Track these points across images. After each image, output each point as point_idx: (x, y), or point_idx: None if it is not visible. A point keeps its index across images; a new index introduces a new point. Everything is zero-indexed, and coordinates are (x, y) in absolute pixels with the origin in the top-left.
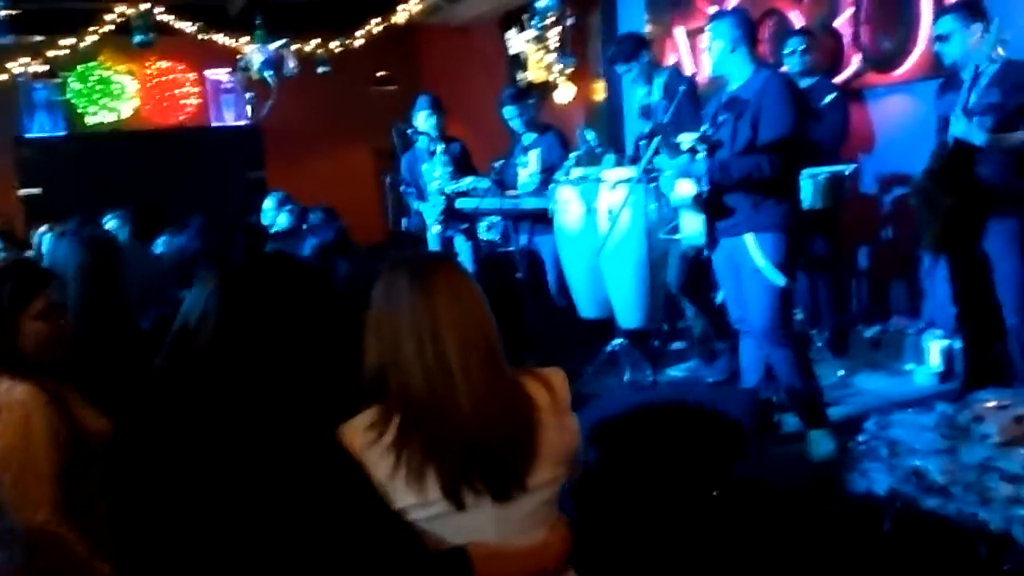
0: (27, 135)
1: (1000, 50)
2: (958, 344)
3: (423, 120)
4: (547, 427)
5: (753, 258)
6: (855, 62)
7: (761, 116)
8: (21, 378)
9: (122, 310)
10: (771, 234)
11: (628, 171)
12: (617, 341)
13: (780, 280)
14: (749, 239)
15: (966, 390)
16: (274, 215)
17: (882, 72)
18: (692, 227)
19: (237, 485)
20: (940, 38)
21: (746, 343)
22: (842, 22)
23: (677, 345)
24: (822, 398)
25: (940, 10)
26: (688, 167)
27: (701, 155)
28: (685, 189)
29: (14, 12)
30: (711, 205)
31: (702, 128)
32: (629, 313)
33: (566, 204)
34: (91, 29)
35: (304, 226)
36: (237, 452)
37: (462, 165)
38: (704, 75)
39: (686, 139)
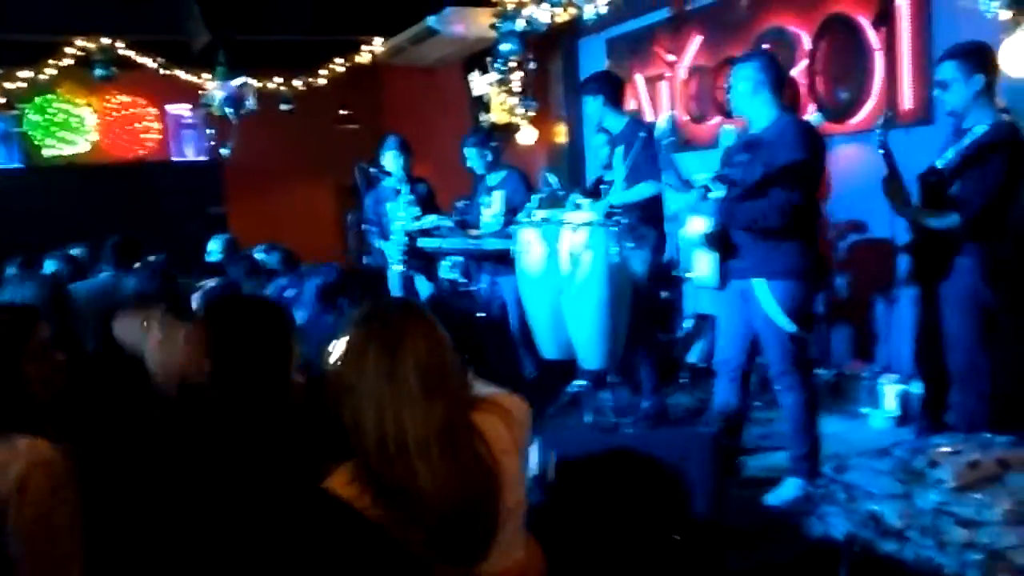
0: None
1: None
2: (914, 388)
3: (391, 160)
4: (508, 470)
5: (764, 305)
6: (810, 111)
7: (775, 160)
8: (33, 433)
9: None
10: (783, 281)
11: (590, 214)
12: (579, 383)
13: (791, 327)
14: (760, 285)
15: (924, 431)
16: (219, 256)
17: (837, 121)
18: (704, 266)
19: (235, 530)
20: (940, 84)
21: (721, 384)
22: (798, 72)
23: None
24: (819, 450)
25: (944, 54)
26: (697, 204)
27: (716, 193)
28: (697, 226)
29: None
30: (724, 244)
31: (718, 169)
32: (591, 355)
33: (528, 245)
34: (51, 62)
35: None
36: (232, 496)
37: (427, 205)
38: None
39: (703, 178)
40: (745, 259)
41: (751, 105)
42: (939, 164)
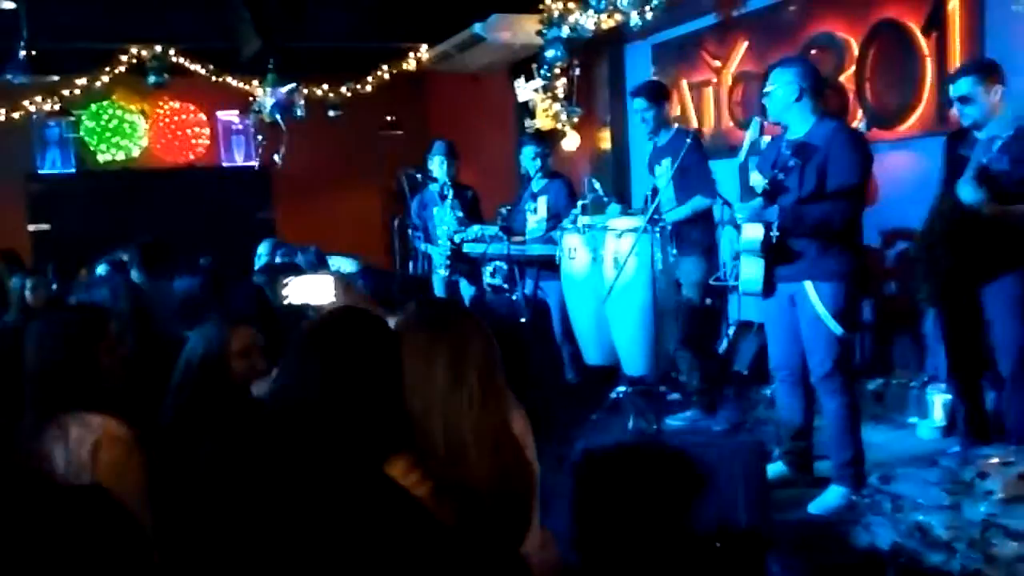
0: (39, 172)
1: None
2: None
3: (437, 165)
4: (533, 464)
5: (813, 306)
6: (858, 118)
7: (829, 165)
8: (102, 413)
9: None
10: (831, 283)
11: (635, 220)
12: (621, 389)
13: (838, 330)
14: (809, 287)
15: (968, 445)
16: (267, 260)
17: (886, 128)
18: (751, 273)
19: (302, 517)
20: (962, 100)
21: (782, 390)
22: (846, 78)
23: (674, 396)
24: (863, 458)
25: (957, 70)
26: (760, 212)
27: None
28: (752, 233)
29: (32, 52)
30: (775, 251)
31: (770, 174)
32: (634, 361)
33: (573, 251)
34: (105, 69)
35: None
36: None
37: (472, 211)
38: (708, 127)
39: (757, 182)
40: (793, 263)
41: (793, 111)
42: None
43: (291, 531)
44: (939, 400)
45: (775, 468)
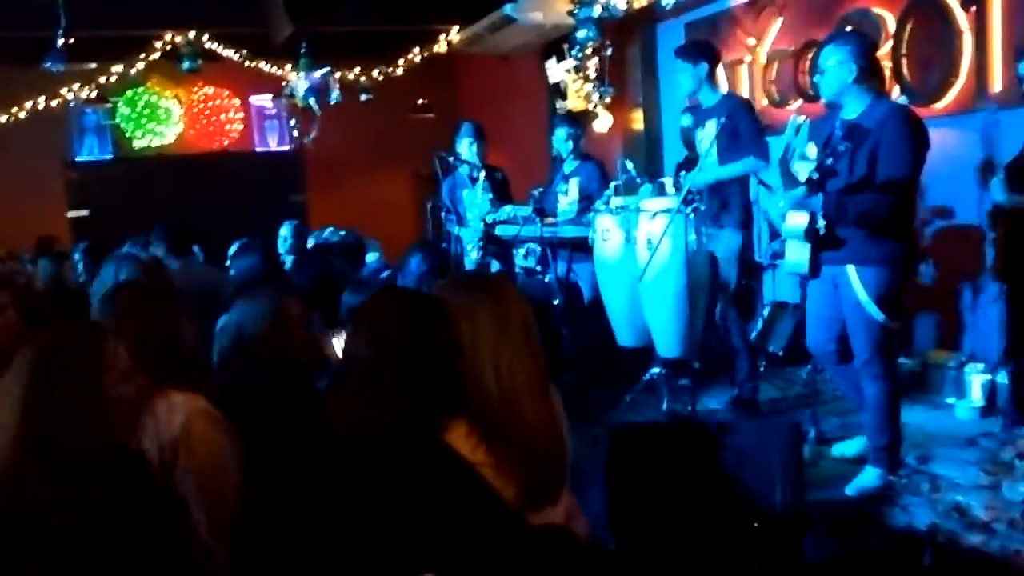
0: (76, 158)
1: None
2: (1000, 378)
3: (465, 147)
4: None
5: (855, 291)
6: (895, 94)
7: (880, 151)
8: (189, 390)
9: None
10: (875, 268)
11: (668, 201)
12: (655, 370)
13: (879, 316)
14: (852, 271)
15: (1009, 425)
16: (289, 243)
17: (923, 105)
18: (797, 256)
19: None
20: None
21: (832, 371)
22: (882, 54)
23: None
24: (901, 442)
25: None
26: (804, 200)
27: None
28: (797, 220)
29: (69, 41)
30: (822, 238)
31: (820, 157)
32: (668, 342)
33: (605, 233)
34: (140, 56)
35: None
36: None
37: (502, 193)
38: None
39: (803, 170)
40: (839, 247)
41: (849, 91)
42: None
43: (352, 504)
44: (977, 380)
45: (857, 443)
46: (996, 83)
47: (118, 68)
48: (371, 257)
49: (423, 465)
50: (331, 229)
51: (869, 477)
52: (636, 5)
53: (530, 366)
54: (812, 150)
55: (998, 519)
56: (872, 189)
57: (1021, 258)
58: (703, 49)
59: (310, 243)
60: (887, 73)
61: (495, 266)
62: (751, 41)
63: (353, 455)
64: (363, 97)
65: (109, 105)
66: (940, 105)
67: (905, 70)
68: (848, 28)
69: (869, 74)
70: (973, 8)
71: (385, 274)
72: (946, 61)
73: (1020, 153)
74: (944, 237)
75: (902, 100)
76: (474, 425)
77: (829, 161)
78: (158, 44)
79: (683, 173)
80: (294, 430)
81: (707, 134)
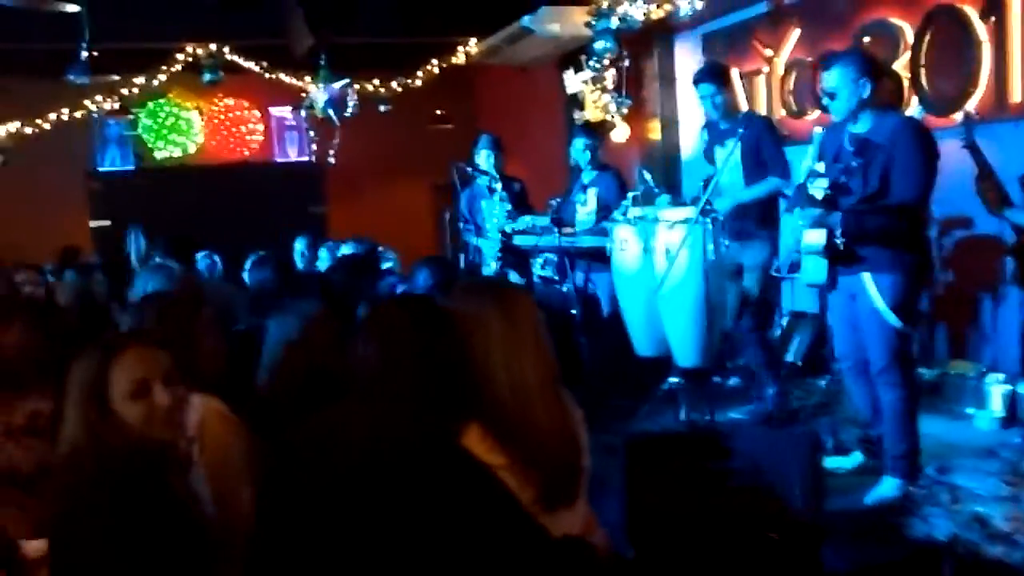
0: (99, 169)
1: None
2: (1021, 388)
3: (484, 158)
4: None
5: (872, 298)
6: (913, 104)
7: (894, 167)
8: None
9: None
10: (891, 276)
11: (687, 211)
12: (673, 380)
13: (896, 322)
14: (867, 279)
15: None
16: (307, 258)
17: (941, 115)
18: (815, 269)
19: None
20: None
21: (849, 380)
22: (901, 65)
23: (733, 382)
24: (919, 451)
25: None
26: (823, 219)
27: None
28: (814, 238)
29: (93, 53)
30: (840, 254)
31: (832, 174)
32: (686, 352)
33: (624, 243)
34: (162, 68)
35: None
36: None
37: (521, 204)
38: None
39: (818, 188)
40: (856, 260)
41: (853, 107)
42: None
43: (370, 512)
44: (998, 391)
45: (853, 459)
46: (1016, 94)
47: (140, 80)
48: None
49: (440, 469)
50: (349, 242)
51: (888, 487)
52: (653, 16)
53: (541, 369)
54: (821, 166)
55: (1019, 530)
56: (887, 205)
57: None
58: (718, 72)
59: (325, 256)
60: (906, 83)
61: (513, 276)
62: (768, 52)
63: (367, 462)
64: (382, 108)
65: (131, 116)
66: (959, 115)
67: (924, 80)
68: (866, 39)
69: (875, 89)
70: (992, 19)
71: (400, 288)
72: (965, 72)
73: None
74: (963, 247)
75: (917, 112)
76: (488, 428)
77: (843, 179)
78: (180, 56)
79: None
80: (308, 438)
81: (728, 155)
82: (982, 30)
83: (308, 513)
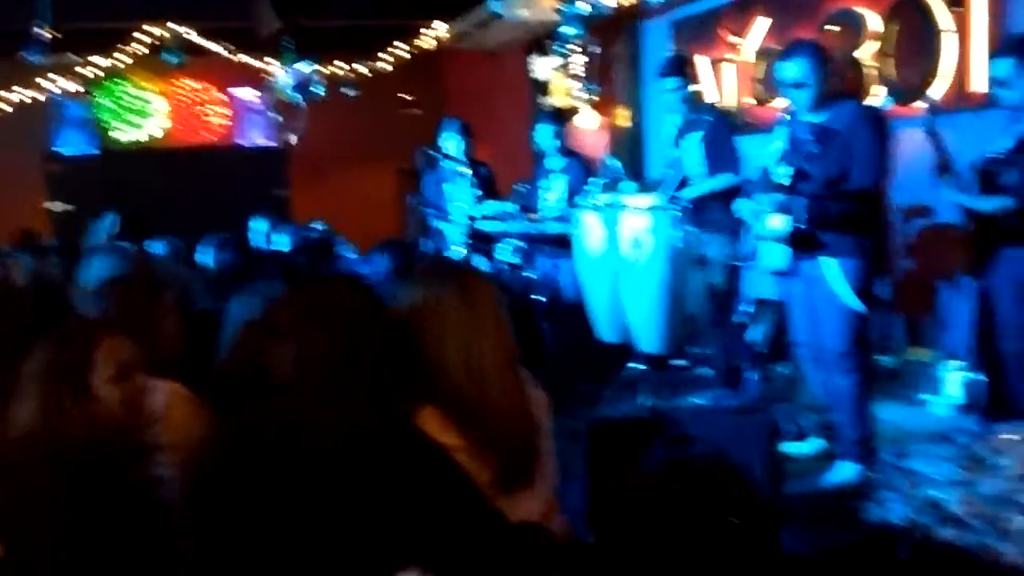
0: (57, 151)
1: None
2: (977, 375)
3: (450, 143)
4: (540, 414)
5: (830, 282)
6: (878, 93)
7: (852, 154)
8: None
9: None
10: (850, 260)
11: (652, 198)
12: (636, 366)
13: (856, 306)
14: (827, 263)
15: (986, 422)
16: (264, 237)
17: (904, 104)
18: (774, 254)
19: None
20: (999, 82)
21: (808, 367)
22: (865, 53)
23: (693, 372)
24: (875, 436)
25: (997, 50)
26: (785, 204)
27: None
28: (776, 223)
29: (54, 35)
30: (800, 240)
31: (791, 160)
32: (649, 338)
33: (589, 229)
34: (123, 48)
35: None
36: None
37: (487, 189)
38: (728, 104)
39: (782, 173)
40: (816, 246)
41: (813, 96)
42: (994, 153)
43: (326, 497)
44: (954, 378)
45: (812, 444)
46: (976, 83)
47: (100, 61)
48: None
49: (394, 450)
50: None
51: (845, 471)
52: (624, 3)
53: (500, 352)
54: (784, 153)
55: (974, 515)
56: (846, 191)
57: (988, 255)
58: (680, 66)
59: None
60: (870, 73)
61: (479, 262)
62: (736, 40)
63: (322, 444)
64: (348, 92)
65: (90, 97)
66: (922, 104)
67: (888, 70)
68: (831, 27)
69: (826, 78)
70: (957, 8)
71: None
72: (928, 61)
73: (992, 156)
74: (922, 235)
75: (885, 100)
76: (445, 410)
77: (804, 165)
78: (141, 37)
79: (670, 172)
80: (266, 420)
81: (691, 146)
82: (947, 20)
83: (264, 494)
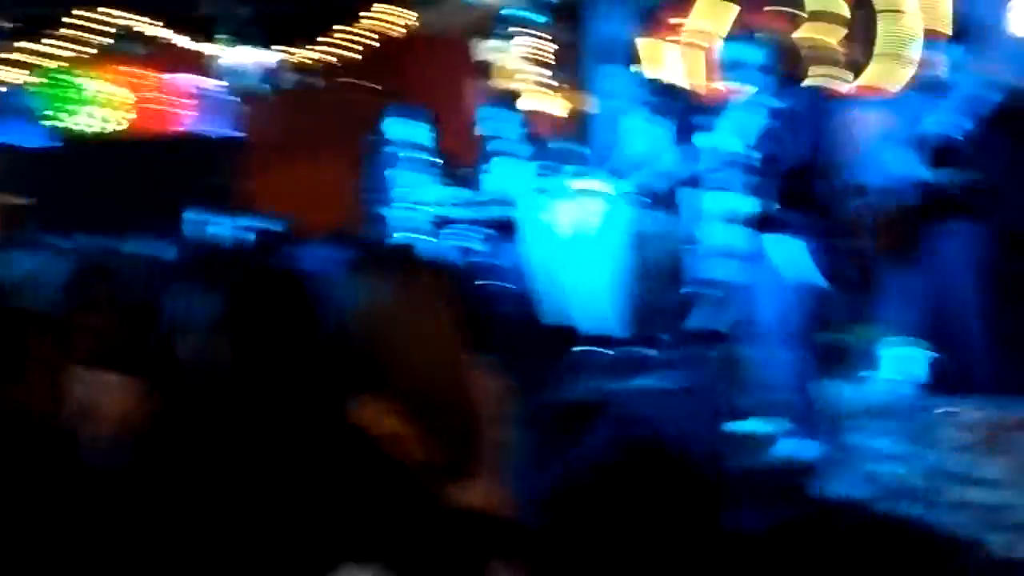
0: (4, 142)
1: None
2: (919, 352)
3: (399, 128)
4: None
5: (785, 261)
6: (818, 73)
7: (806, 133)
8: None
9: None
10: (804, 238)
11: (603, 180)
12: (584, 348)
13: (811, 282)
14: (777, 241)
15: (926, 396)
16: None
17: (849, 83)
18: (729, 234)
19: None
20: (933, 64)
21: (756, 347)
22: (807, 35)
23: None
24: (820, 411)
25: (933, 34)
26: (745, 183)
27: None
28: (732, 203)
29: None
30: (755, 220)
31: (744, 142)
32: (598, 321)
33: (544, 213)
34: (73, 36)
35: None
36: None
37: (442, 175)
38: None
39: (740, 154)
40: (767, 224)
41: (756, 82)
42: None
43: (256, 493)
44: (895, 354)
45: (761, 422)
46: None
47: (48, 48)
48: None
49: (331, 444)
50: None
51: (792, 447)
52: None
53: (446, 336)
54: (737, 137)
55: (916, 486)
56: (800, 170)
57: (934, 230)
58: (635, 54)
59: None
60: (811, 54)
61: (429, 247)
62: (685, 22)
63: (253, 440)
64: (300, 77)
65: (40, 87)
66: (864, 85)
67: (830, 51)
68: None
69: (781, 65)
70: None
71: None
72: (869, 44)
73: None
74: (869, 212)
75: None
76: (388, 399)
77: (758, 147)
78: (95, 26)
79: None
80: (192, 417)
81: (641, 128)
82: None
83: (196, 487)
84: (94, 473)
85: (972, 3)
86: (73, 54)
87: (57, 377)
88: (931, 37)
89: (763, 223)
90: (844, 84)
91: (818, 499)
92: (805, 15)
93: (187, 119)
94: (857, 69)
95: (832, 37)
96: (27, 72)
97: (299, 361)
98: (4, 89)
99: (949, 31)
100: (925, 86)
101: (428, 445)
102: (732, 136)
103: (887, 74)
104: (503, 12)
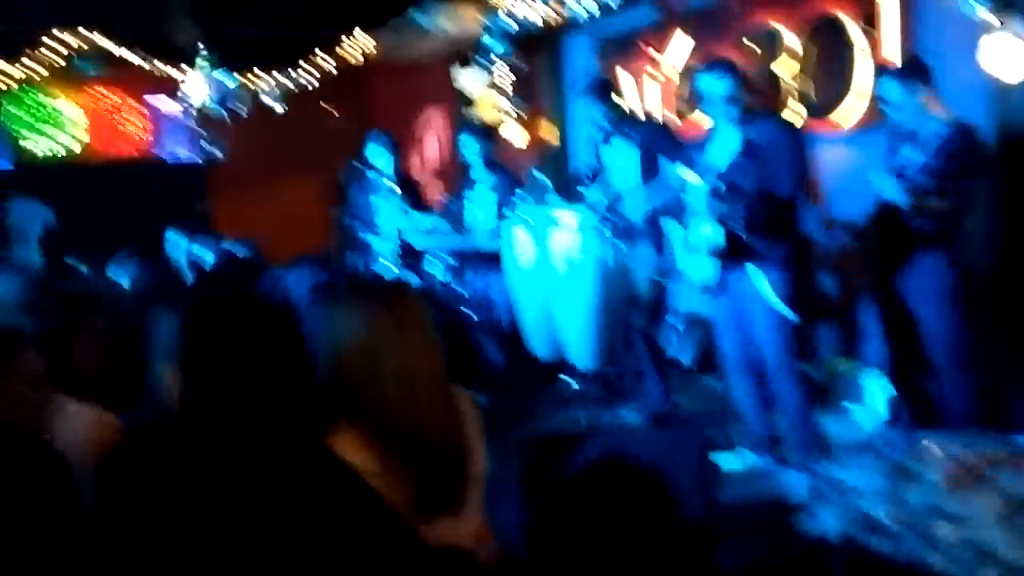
0: None
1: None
2: (898, 386)
3: (377, 155)
4: (473, 436)
5: (764, 294)
6: (793, 109)
7: (772, 171)
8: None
9: None
10: (779, 271)
11: (579, 213)
12: (568, 380)
13: (789, 315)
14: (757, 274)
15: (909, 432)
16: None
17: (820, 120)
18: (703, 267)
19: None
20: (883, 101)
21: (736, 380)
22: (781, 70)
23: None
24: (818, 444)
25: (882, 71)
26: (717, 214)
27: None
28: (704, 233)
29: None
30: (728, 250)
31: (717, 174)
32: (582, 353)
33: (518, 244)
34: (35, 56)
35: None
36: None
37: (414, 202)
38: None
39: (712, 186)
40: (743, 256)
41: (732, 112)
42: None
43: (236, 515)
44: (877, 387)
45: (742, 458)
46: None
47: (8, 68)
48: None
49: (305, 478)
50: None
51: (787, 481)
52: (549, 18)
53: (428, 370)
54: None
55: (900, 525)
56: (768, 201)
57: (902, 263)
58: (602, 90)
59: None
60: (786, 89)
61: (409, 276)
62: (658, 56)
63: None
64: (272, 103)
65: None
66: (839, 121)
67: (804, 87)
68: (748, 42)
69: (742, 96)
70: (870, 28)
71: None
72: (843, 79)
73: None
74: (845, 248)
75: (798, 117)
76: (368, 431)
77: (735, 180)
78: (53, 44)
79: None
80: (168, 447)
81: (617, 161)
82: (860, 38)
83: (170, 517)
84: (73, 502)
85: (937, 41)
86: (38, 75)
87: (41, 396)
88: (896, 74)
89: (735, 254)
90: (812, 119)
91: (805, 536)
92: (775, 50)
93: (152, 143)
94: (826, 104)
95: (800, 72)
96: None
97: (273, 391)
98: None
99: (914, 68)
100: (891, 122)
101: (409, 479)
102: (704, 168)
103: (854, 109)
104: (477, 41)
